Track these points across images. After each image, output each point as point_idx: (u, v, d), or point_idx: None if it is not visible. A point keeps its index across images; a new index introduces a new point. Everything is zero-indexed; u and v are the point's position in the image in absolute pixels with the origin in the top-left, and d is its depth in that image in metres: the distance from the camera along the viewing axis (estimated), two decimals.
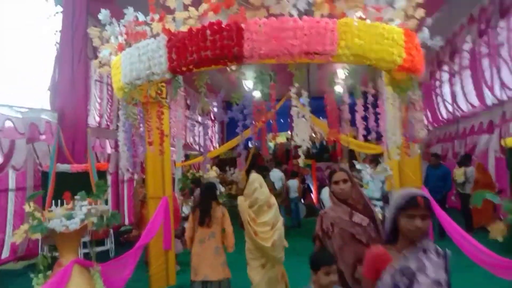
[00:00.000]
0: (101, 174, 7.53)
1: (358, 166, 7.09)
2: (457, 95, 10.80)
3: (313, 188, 15.49)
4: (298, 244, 6.42)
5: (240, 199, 4.21)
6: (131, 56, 3.27)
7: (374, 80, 4.80)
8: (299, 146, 3.19)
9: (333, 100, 4.15)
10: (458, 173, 8.07)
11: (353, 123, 4.62)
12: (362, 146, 8.54)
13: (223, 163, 16.34)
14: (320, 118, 26.44)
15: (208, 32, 2.88)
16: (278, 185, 9.40)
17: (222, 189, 7.33)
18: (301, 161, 3.39)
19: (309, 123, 3.20)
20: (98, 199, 3.83)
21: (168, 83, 3.41)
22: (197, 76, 3.21)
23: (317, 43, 2.89)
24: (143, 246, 4.28)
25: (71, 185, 6.24)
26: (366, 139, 5.14)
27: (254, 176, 4.35)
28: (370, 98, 4.62)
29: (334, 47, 2.94)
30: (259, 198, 4.10)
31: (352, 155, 19.32)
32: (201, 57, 2.91)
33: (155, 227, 4.52)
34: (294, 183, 10.09)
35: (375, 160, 7.75)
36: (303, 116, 3.14)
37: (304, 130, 3.20)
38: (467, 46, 10.08)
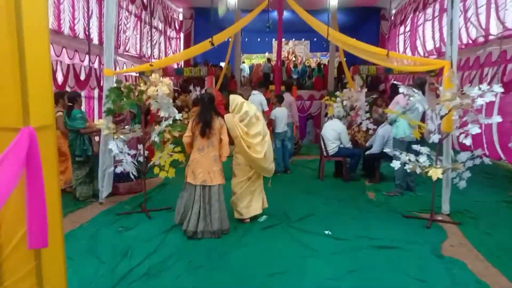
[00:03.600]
0: None
1: (402, 89, 4.36)
2: None
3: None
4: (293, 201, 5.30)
5: (228, 116, 4.37)
6: None
7: None
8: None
9: None
10: None
11: None
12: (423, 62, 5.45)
13: (187, 83, 13.34)
14: (302, 39, 23.52)
15: None
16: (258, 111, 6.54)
17: (179, 115, 4.48)
18: None
19: None
20: None
21: None
22: None
23: None
24: None
25: None
26: None
27: (234, 95, 4.59)
28: None
29: None
30: (249, 111, 4.39)
31: (340, 82, 16.71)
32: None
33: None
34: (282, 113, 7.10)
35: (421, 83, 5.01)
36: None
37: None
38: None
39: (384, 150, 6.26)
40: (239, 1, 14.50)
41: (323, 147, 6.66)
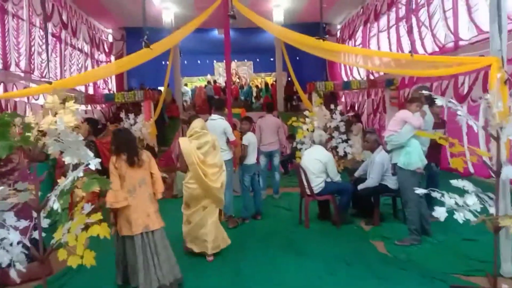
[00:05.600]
0: None
1: (440, 101, 2.95)
2: None
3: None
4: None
5: (183, 141, 4.14)
6: None
7: None
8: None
9: None
10: None
11: None
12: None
13: (121, 110, 11.34)
14: (245, 60, 22.26)
15: None
16: (221, 141, 4.83)
17: (95, 161, 2.65)
18: None
19: None
20: None
21: None
22: None
23: None
24: None
25: None
26: None
27: (199, 119, 4.34)
28: None
29: None
30: (208, 140, 4.19)
31: (290, 102, 15.53)
32: None
33: None
34: (255, 139, 5.66)
35: (430, 95, 3.62)
36: None
37: None
38: None
39: (384, 183, 4.86)
40: (175, 19, 12.99)
41: (305, 183, 5.06)
